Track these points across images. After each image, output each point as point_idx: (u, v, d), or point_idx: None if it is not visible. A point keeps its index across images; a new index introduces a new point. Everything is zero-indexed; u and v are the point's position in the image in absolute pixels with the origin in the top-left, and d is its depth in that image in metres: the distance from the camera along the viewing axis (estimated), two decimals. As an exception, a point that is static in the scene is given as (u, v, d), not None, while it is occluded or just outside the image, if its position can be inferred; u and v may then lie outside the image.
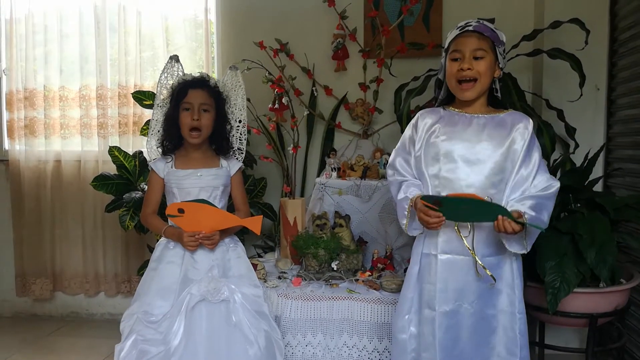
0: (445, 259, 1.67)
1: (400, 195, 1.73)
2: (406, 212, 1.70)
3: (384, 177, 2.64)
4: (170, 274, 1.90)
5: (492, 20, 2.59)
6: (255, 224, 1.91)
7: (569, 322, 2.09)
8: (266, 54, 2.81)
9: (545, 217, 1.62)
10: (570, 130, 2.48)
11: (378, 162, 2.71)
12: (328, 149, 2.92)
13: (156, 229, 2.01)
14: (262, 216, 1.95)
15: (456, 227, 1.65)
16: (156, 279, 1.91)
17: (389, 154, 2.70)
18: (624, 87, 2.57)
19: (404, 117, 2.50)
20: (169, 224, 1.97)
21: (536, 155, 1.69)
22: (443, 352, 1.65)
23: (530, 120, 1.71)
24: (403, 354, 1.73)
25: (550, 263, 1.97)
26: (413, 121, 1.79)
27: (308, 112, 2.91)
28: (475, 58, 1.65)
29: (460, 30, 1.68)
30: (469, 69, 1.64)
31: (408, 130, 1.80)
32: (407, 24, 2.95)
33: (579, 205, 2.16)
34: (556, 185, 1.68)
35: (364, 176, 2.64)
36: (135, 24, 3.20)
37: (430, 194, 1.69)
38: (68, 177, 3.32)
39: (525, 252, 1.64)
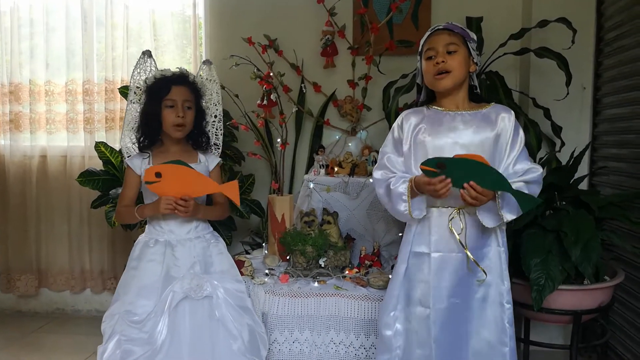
0: (438, 257, 1.69)
1: (396, 183, 1.70)
2: (405, 196, 1.67)
3: (372, 174, 2.64)
4: (152, 272, 1.88)
5: (480, 19, 2.62)
6: (232, 190, 1.87)
7: (553, 318, 2.11)
8: (255, 50, 2.80)
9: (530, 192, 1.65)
10: (557, 129, 2.50)
11: (366, 159, 2.71)
12: (316, 146, 2.92)
13: (129, 215, 1.95)
14: (237, 181, 1.91)
15: (450, 226, 1.66)
16: (137, 278, 1.89)
17: (377, 151, 2.71)
18: (609, 86, 2.59)
19: (392, 115, 2.51)
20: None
21: (520, 139, 1.71)
22: (439, 348, 1.67)
23: (512, 112, 1.73)
24: (388, 351, 1.74)
25: (535, 260, 1.98)
26: (398, 122, 1.80)
27: (297, 109, 2.90)
28: (449, 52, 1.68)
29: (431, 31, 1.74)
30: (443, 61, 1.67)
31: (394, 132, 1.81)
32: (395, 21, 2.95)
33: (564, 203, 2.18)
34: (539, 169, 1.70)
35: (352, 173, 2.65)
36: (122, 18, 3.17)
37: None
38: (54, 173, 3.29)
39: (505, 221, 1.64)
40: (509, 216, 1.62)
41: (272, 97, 2.76)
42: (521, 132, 1.73)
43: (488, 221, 1.65)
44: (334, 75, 3.01)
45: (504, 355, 1.67)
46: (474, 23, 2.59)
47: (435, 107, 1.77)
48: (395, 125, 1.81)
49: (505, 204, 1.61)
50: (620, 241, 2.09)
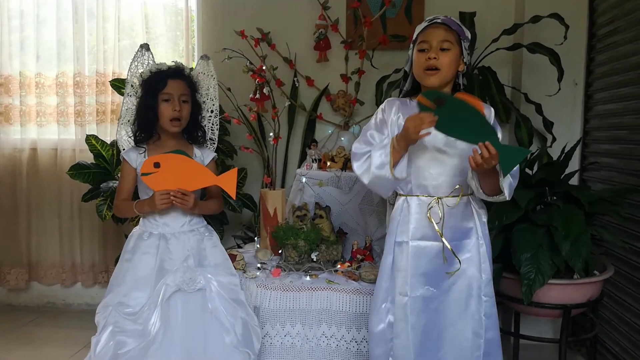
0: (415, 245, 1.70)
1: (377, 148, 1.67)
2: (388, 153, 1.63)
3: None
4: (146, 264, 1.88)
5: (473, 14, 2.62)
6: (229, 181, 1.86)
7: (543, 312, 2.13)
8: (247, 43, 2.79)
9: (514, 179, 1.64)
10: (548, 124, 2.52)
11: (359, 154, 2.71)
12: (309, 140, 2.91)
13: (128, 209, 1.95)
14: (236, 169, 1.90)
15: (428, 214, 1.67)
16: (131, 270, 1.88)
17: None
18: (601, 82, 2.61)
19: (384, 109, 2.51)
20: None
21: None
22: (416, 336, 1.68)
23: (492, 109, 1.73)
24: (383, 344, 1.74)
25: (526, 255, 2.00)
26: (382, 106, 1.80)
27: (289, 103, 2.90)
28: (442, 49, 1.67)
29: (428, 22, 1.71)
30: (434, 58, 1.66)
31: (378, 114, 1.79)
32: (389, 15, 2.95)
33: (554, 198, 2.19)
34: None
35: (344, 168, 2.64)
36: (114, 10, 3.15)
37: (404, 186, 1.70)
38: (44, 166, 3.27)
39: (506, 198, 1.61)
40: (508, 193, 1.59)
41: (265, 90, 2.75)
42: (499, 127, 1.72)
43: (484, 191, 1.62)
44: (327, 70, 3.00)
45: (479, 347, 1.68)
46: (467, 18, 2.60)
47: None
48: (379, 109, 1.80)
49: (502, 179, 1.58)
50: (610, 236, 2.11)
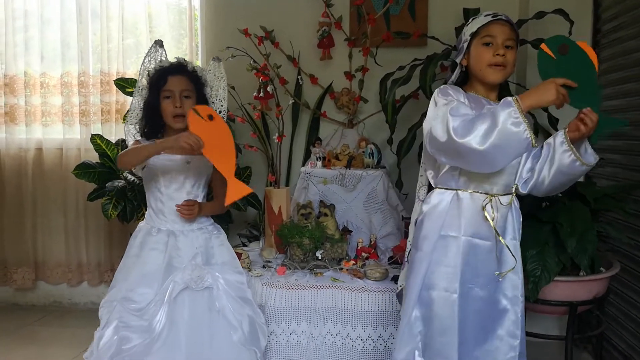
0: (467, 242, 1.64)
1: (502, 106, 1.47)
2: (518, 115, 1.46)
3: (368, 166, 2.65)
4: (153, 260, 1.88)
5: (477, 10, 2.61)
6: (237, 191, 1.81)
7: (549, 310, 2.12)
8: (251, 42, 2.79)
9: None
10: (553, 121, 2.51)
11: (363, 152, 2.71)
12: (313, 138, 2.92)
13: (142, 149, 1.83)
14: (251, 191, 1.88)
15: (485, 213, 1.63)
16: (138, 265, 1.89)
17: (374, 144, 2.71)
18: (605, 78, 2.59)
19: (389, 107, 2.51)
20: None
21: None
22: (462, 334, 1.64)
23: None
24: (412, 338, 1.67)
25: (532, 252, 1.99)
26: (440, 88, 1.68)
27: (293, 101, 2.90)
28: (506, 47, 1.65)
29: (492, 17, 1.67)
30: (503, 55, 1.63)
31: (445, 90, 1.66)
32: (392, 12, 2.94)
33: (560, 194, 2.18)
34: None
35: (348, 165, 2.65)
36: (117, 10, 3.16)
37: (451, 180, 1.66)
38: (50, 166, 3.28)
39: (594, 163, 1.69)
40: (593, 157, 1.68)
41: (269, 89, 2.76)
42: None
43: (591, 156, 1.68)
44: (330, 67, 3.00)
45: (514, 348, 1.67)
46: (472, 14, 2.57)
47: (475, 94, 1.71)
48: (442, 93, 1.65)
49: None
50: (616, 233, 2.10)
